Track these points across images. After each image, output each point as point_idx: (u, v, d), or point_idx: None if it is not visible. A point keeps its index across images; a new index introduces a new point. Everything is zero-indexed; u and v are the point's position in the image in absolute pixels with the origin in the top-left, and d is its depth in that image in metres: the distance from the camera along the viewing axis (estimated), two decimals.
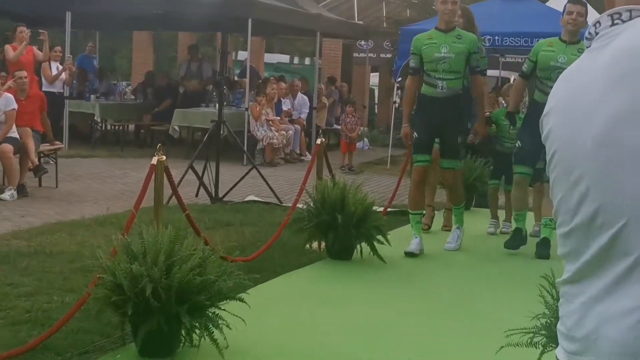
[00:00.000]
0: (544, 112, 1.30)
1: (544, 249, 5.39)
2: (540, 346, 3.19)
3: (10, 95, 7.22)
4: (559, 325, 1.27)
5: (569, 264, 1.24)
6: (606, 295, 1.15)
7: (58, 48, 10.47)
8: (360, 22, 15.15)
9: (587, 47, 1.23)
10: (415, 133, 5.38)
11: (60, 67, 10.27)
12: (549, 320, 3.28)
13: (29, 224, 6.43)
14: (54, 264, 5.13)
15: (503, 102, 7.36)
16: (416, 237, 5.35)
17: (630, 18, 1.18)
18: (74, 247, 5.50)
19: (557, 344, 2.64)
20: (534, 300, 3.37)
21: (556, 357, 1.32)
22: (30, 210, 7.05)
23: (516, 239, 5.48)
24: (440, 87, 5.23)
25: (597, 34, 1.23)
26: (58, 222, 6.49)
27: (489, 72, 17.62)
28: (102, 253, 3.91)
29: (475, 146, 6.29)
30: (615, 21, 1.20)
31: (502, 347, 3.41)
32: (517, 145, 5.46)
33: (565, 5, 5.43)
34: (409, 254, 5.27)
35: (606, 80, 1.14)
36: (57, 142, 8.32)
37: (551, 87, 4.89)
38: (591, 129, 1.15)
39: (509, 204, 6.18)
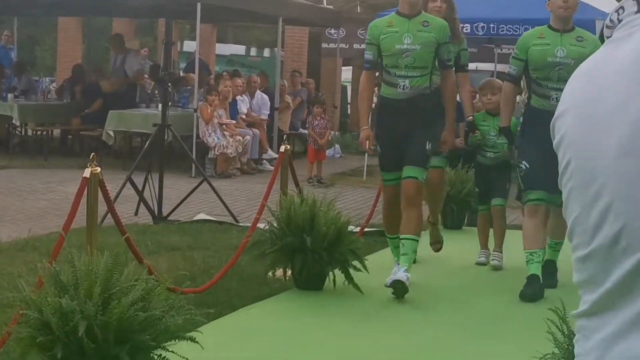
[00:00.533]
0: (555, 114, 1.32)
1: (546, 280, 5.26)
2: None
3: None
4: None
5: (586, 293, 1.24)
6: (631, 331, 1.15)
7: None
8: (330, 7, 15.34)
9: (608, 37, 1.25)
10: (378, 146, 5.33)
11: None
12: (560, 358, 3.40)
13: None
14: None
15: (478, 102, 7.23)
16: (398, 264, 5.27)
17: None
18: None
19: None
20: (541, 338, 3.46)
21: None
22: None
23: (534, 286, 5.17)
24: (402, 87, 5.07)
25: (619, 21, 1.24)
26: None
27: (483, 66, 17.95)
28: (24, 284, 4.02)
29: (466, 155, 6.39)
30: None
31: None
32: (523, 166, 5.31)
33: None
34: (396, 286, 5.16)
35: (632, 78, 1.16)
36: None
37: (552, 89, 5.05)
38: (615, 134, 1.16)
39: (499, 224, 6.16)
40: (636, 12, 1.21)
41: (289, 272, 5.44)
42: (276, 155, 11.57)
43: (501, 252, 6.12)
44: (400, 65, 5.06)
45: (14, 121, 11.81)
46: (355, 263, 5.24)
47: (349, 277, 5.14)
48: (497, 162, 6.07)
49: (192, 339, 3.93)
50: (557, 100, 5.03)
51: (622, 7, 1.25)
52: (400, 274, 5.05)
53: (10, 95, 11.86)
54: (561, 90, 5.18)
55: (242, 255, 5.58)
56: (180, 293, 4.67)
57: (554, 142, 1.30)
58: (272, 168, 9.70)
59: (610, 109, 1.17)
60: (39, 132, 12.62)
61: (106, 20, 17.92)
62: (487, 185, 6.15)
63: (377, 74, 5.47)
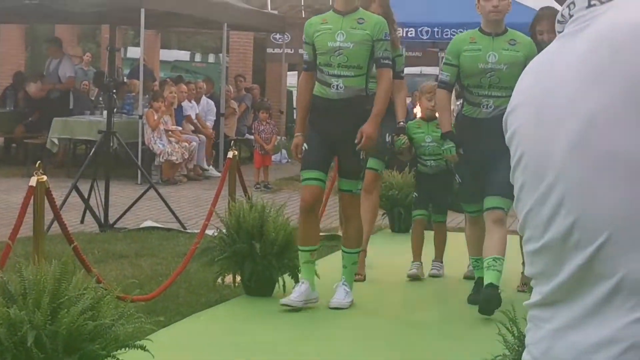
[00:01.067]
0: (507, 110, 1.30)
1: (489, 302, 4.78)
2: None
3: None
4: (524, 355, 1.29)
5: (539, 285, 1.25)
6: (582, 323, 1.17)
7: None
8: (275, 12, 15.36)
9: (559, 32, 1.25)
10: (305, 144, 4.95)
11: None
12: (512, 355, 3.49)
13: None
14: None
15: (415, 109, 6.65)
16: (303, 283, 4.90)
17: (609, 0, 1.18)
18: None
19: None
20: (492, 339, 3.51)
21: None
22: None
23: (486, 295, 4.76)
24: (335, 87, 4.76)
25: (571, 16, 1.24)
26: None
27: (427, 70, 18.10)
28: None
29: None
30: (592, 2, 1.21)
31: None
32: (457, 180, 5.15)
33: None
34: (287, 305, 4.88)
35: (583, 73, 1.16)
36: None
37: (483, 97, 4.83)
38: (566, 129, 1.17)
39: (440, 238, 5.96)
40: (587, 7, 1.21)
41: (239, 279, 5.41)
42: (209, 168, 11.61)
43: (441, 262, 5.95)
44: (333, 64, 4.77)
45: None
46: None
47: (298, 283, 5.10)
48: (438, 170, 5.77)
49: (142, 347, 3.91)
50: (488, 107, 4.82)
51: (573, 2, 1.25)
52: (340, 298, 4.96)
53: None
54: (492, 97, 4.83)
55: (190, 262, 5.55)
56: (130, 301, 4.62)
57: (506, 137, 1.31)
58: (218, 174, 9.64)
59: (561, 104, 1.18)
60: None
61: (49, 27, 17.53)
62: (428, 193, 5.89)
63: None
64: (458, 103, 6.79)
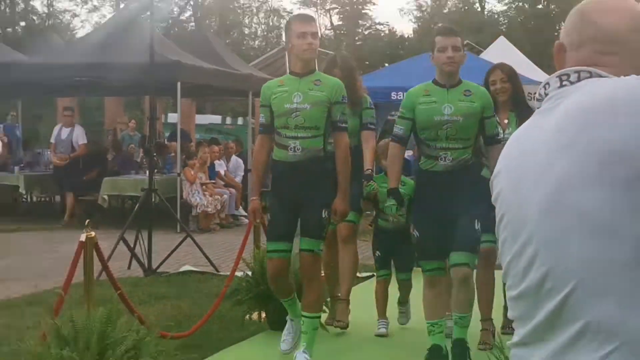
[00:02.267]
0: (494, 173, 1.35)
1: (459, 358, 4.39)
2: None
3: None
4: None
5: (519, 327, 1.29)
6: (556, 358, 1.19)
7: None
8: None
9: (538, 108, 1.31)
10: (268, 214, 4.56)
11: None
12: None
13: None
14: None
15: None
16: (291, 320, 4.61)
17: (579, 79, 1.25)
18: (4, 331, 5.57)
19: None
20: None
21: None
22: None
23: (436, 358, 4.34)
24: (293, 149, 4.25)
25: (546, 95, 1.30)
26: None
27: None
28: (30, 337, 4.11)
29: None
30: (564, 83, 1.28)
31: None
32: (415, 234, 4.40)
33: (434, 40, 4.41)
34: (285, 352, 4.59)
35: (553, 144, 1.19)
36: None
37: (441, 149, 4.15)
38: (539, 192, 1.20)
39: (405, 297, 5.35)
40: (559, 87, 1.26)
41: (264, 315, 5.45)
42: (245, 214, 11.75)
43: (406, 305, 5.39)
44: (290, 126, 4.25)
45: (20, 190, 11.97)
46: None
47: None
48: (399, 225, 5.03)
49: None
50: (447, 160, 4.21)
51: (547, 83, 1.31)
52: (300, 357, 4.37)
53: (16, 168, 11.96)
54: (450, 149, 4.08)
55: (222, 301, 5.56)
56: (170, 338, 4.71)
57: (492, 197, 1.35)
58: (247, 221, 9.75)
59: (535, 171, 1.21)
60: (42, 199, 12.99)
61: (99, 99, 17.97)
62: (388, 251, 5.20)
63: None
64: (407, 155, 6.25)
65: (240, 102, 18.82)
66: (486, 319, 4.88)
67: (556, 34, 33.71)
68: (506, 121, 4.90)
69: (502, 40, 18.28)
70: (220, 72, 12.27)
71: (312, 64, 4.46)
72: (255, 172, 4.67)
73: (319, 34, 4.38)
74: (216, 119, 20.91)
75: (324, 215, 4.29)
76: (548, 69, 16.24)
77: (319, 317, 4.54)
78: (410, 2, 36.68)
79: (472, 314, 4.55)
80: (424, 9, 35.23)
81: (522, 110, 4.84)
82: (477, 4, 33.93)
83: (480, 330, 4.84)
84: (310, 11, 32.31)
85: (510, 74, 5.01)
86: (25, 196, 12.49)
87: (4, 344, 5.17)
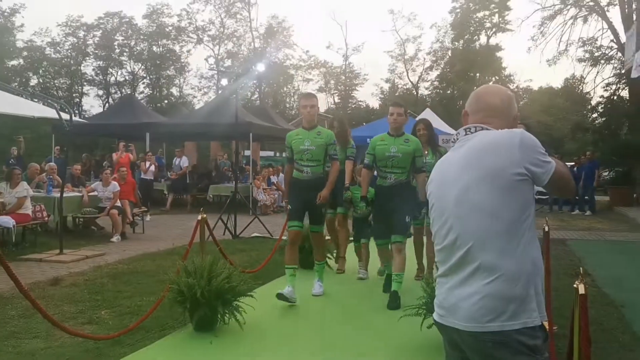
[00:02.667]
0: (428, 181, 2.04)
1: (393, 302, 5.75)
2: (423, 315, 4.52)
3: (116, 183, 11.26)
4: (435, 300, 1.98)
5: (441, 266, 1.92)
6: (461, 284, 1.82)
7: (149, 153, 16.11)
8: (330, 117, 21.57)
9: (452, 147, 1.94)
10: (289, 204, 6.14)
11: (149, 164, 15.96)
12: (427, 300, 4.51)
13: (128, 255, 9.10)
14: (143, 278, 7.16)
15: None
16: (288, 287, 5.89)
17: (476, 131, 1.89)
18: (154, 268, 7.72)
19: (433, 312, 3.19)
20: (418, 296, 4.73)
21: (433, 319, 2.00)
22: (128, 247, 10.06)
23: (396, 300, 5.76)
24: (305, 172, 5.95)
25: (457, 139, 1.90)
26: (145, 253, 9.15)
27: None
28: (170, 272, 5.19)
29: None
30: (467, 133, 1.89)
31: (401, 316, 4.72)
32: (371, 222, 6.67)
33: (389, 108, 6.23)
34: (281, 297, 5.80)
35: (462, 164, 1.83)
36: (144, 207, 12.72)
37: (389, 172, 6.57)
38: (453, 192, 1.82)
39: (366, 254, 7.34)
40: (465, 135, 1.93)
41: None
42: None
43: (366, 271, 7.31)
44: (304, 159, 5.97)
45: (165, 192, 17.61)
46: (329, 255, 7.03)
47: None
48: (365, 215, 7.22)
49: (252, 296, 5.11)
50: (391, 179, 6.01)
51: (458, 133, 1.95)
52: (317, 287, 6.29)
53: (162, 180, 17.47)
54: (394, 172, 6.50)
55: (275, 253, 7.76)
56: (247, 272, 6.01)
57: (427, 194, 2.04)
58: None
59: (451, 179, 1.89)
60: (178, 196, 18.11)
61: (207, 142, 24.82)
62: (359, 229, 7.39)
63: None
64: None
65: (283, 144, 23.41)
66: (418, 262, 7.24)
67: (457, 107, 41.45)
68: (426, 152, 6.61)
69: (427, 110, 24.54)
70: (272, 127, 19.56)
71: (314, 122, 6.05)
72: (286, 184, 6.39)
73: (318, 105, 6.10)
74: (271, 153, 28.82)
75: (323, 211, 6.29)
76: (452, 125, 21.73)
77: (324, 263, 6.45)
78: (377, 90, 53.88)
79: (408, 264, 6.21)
80: (384, 93, 49.94)
81: (434, 147, 6.89)
82: (414, 91, 48.45)
83: (417, 269, 7.15)
84: (322, 95, 46.95)
85: (427, 126, 6.95)
86: (167, 195, 17.75)
87: (156, 276, 7.04)
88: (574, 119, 31.58)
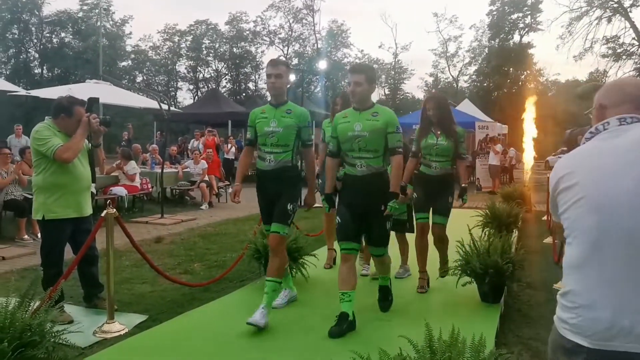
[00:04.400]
0: (563, 173, 1.55)
1: (384, 303, 4.36)
2: (458, 274, 4.52)
3: (204, 161, 11.69)
4: (574, 321, 1.44)
5: (592, 270, 1.43)
6: None
7: (231, 137, 16.59)
8: None
9: (587, 139, 1.54)
10: (260, 205, 4.25)
11: (229, 146, 16.46)
12: (463, 261, 4.51)
13: (214, 220, 9.31)
14: (227, 238, 7.35)
15: None
16: (261, 308, 3.98)
17: (632, 122, 1.51)
18: (236, 230, 8.05)
19: (467, 275, 4.45)
20: (455, 257, 4.66)
21: (572, 345, 1.43)
22: (215, 213, 10.27)
23: (341, 325, 3.84)
24: (269, 161, 4.09)
25: (605, 129, 1.51)
26: (228, 219, 9.28)
27: None
28: (249, 234, 5.64)
29: None
30: (622, 123, 1.50)
31: (437, 277, 4.80)
32: (337, 221, 4.01)
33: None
34: (249, 324, 3.93)
35: (629, 157, 1.42)
36: (227, 182, 12.98)
37: (357, 158, 4.00)
38: (623, 183, 1.40)
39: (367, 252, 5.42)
40: (619, 125, 1.52)
41: None
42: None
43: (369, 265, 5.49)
44: (267, 144, 4.10)
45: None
46: None
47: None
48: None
49: (314, 255, 5.17)
50: (361, 167, 3.84)
51: (607, 122, 1.53)
52: (257, 316, 3.90)
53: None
54: (363, 158, 3.92)
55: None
56: (309, 235, 6.13)
57: (563, 186, 1.54)
58: None
59: (612, 171, 1.44)
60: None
61: None
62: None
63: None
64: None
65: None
66: (422, 271, 4.97)
67: (492, 97, 40.65)
68: (439, 132, 4.82)
69: (466, 100, 23.78)
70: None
71: (283, 97, 4.14)
72: (239, 172, 4.36)
73: (288, 75, 4.15)
74: None
75: (289, 207, 4.02)
76: (488, 114, 21.35)
77: (279, 284, 4.09)
78: (422, 83, 52.60)
79: (411, 267, 5.27)
80: (428, 86, 49.39)
81: (447, 128, 4.80)
82: (455, 84, 47.91)
83: (419, 279, 4.96)
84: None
85: (438, 105, 4.83)
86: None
87: (237, 237, 7.28)
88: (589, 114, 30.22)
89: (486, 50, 45.22)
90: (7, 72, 40.78)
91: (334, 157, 4.10)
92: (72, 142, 4.05)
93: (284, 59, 4.73)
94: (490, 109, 33.03)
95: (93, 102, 4.28)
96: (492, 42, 44.21)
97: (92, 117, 4.16)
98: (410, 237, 5.27)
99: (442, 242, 4.97)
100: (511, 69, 42.96)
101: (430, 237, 4.94)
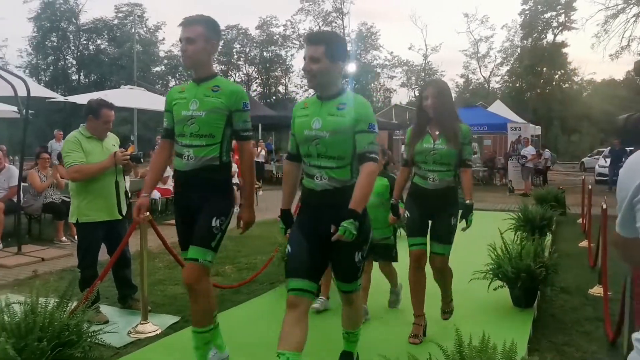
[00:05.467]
0: (632, 172, 1.20)
1: None
2: (490, 279, 4.45)
3: (235, 164, 12.11)
4: None
5: None
6: None
7: (261, 141, 17.93)
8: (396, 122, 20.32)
9: None
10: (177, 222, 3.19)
11: (259, 150, 17.27)
12: (494, 265, 4.44)
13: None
14: (257, 241, 7.28)
15: None
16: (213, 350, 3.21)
17: None
18: (266, 232, 7.66)
19: (498, 279, 4.19)
20: (486, 260, 4.58)
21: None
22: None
23: None
24: (187, 157, 2.99)
25: None
26: (258, 221, 7.65)
27: None
28: (279, 236, 5.06)
29: None
30: None
31: (471, 279, 4.49)
32: (287, 250, 2.79)
33: None
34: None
35: None
36: (258, 183, 13.12)
37: (315, 167, 2.66)
38: None
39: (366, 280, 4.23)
40: None
41: None
42: None
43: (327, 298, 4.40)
44: (186, 134, 3.00)
45: (273, 172, 18.92)
46: None
47: None
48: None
49: None
50: (321, 179, 2.66)
51: None
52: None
53: (272, 162, 19.49)
54: (322, 168, 2.58)
55: None
56: None
57: (634, 190, 1.18)
58: None
59: None
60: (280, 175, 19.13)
61: None
62: None
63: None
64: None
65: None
66: (418, 315, 3.80)
67: (525, 98, 40.41)
68: (437, 132, 3.61)
69: (497, 101, 23.78)
70: None
71: (207, 69, 3.03)
72: (150, 174, 3.23)
73: (205, 40, 2.98)
74: None
75: (214, 224, 2.95)
76: (520, 115, 21.44)
77: (208, 331, 3.08)
78: (452, 84, 50.85)
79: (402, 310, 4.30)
80: (459, 87, 49.47)
81: (446, 125, 3.58)
82: (486, 85, 48.13)
83: (413, 324, 3.82)
84: (404, 89, 44.43)
85: (438, 92, 3.62)
86: (275, 175, 18.64)
87: (267, 239, 6.90)
88: (636, 108, 29.47)
89: (518, 50, 44.80)
90: (47, 79, 42.16)
91: (293, 160, 2.91)
92: (87, 168, 4.05)
93: (204, 14, 3.03)
94: (522, 109, 32.55)
95: (136, 158, 4.31)
96: (525, 41, 43.69)
97: (119, 152, 4.13)
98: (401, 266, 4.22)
99: (443, 276, 3.82)
100: (544, 68, 42.38)
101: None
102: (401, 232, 4.84)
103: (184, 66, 3.25)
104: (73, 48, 44.06)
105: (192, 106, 2.99)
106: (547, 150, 18.32)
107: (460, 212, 3.68)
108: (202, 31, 2.98)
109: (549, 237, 7.12)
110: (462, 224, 3.67)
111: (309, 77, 2.69)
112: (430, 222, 3.70)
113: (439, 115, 3.61)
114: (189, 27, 2.98)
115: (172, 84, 48.02)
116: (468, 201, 3.67)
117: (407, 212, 3.81)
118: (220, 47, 24.16)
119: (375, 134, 2.69)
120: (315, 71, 2.66)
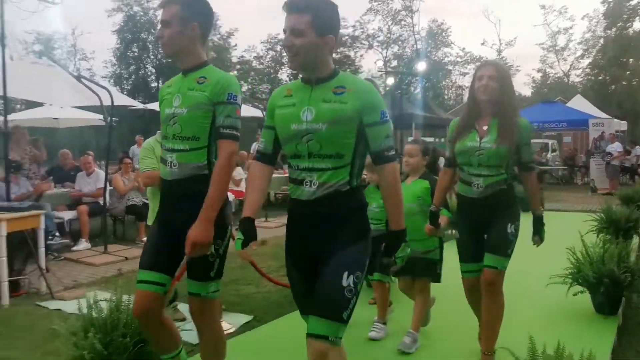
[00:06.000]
0: None
1: None
2: (569, 283, 4.31)
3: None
4: None
5: None
6: None
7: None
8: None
9: None
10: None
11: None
12: (572, 270, 4.32)
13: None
14: (269, 259, 7.33)
15: None
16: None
17: None
18: (281, 251, 8.29)
19: (578, 284, 3.96)
20: (564, 264, 4.47)
21: None
22: None
23: None
24: (170, 165, 2.49)
25: None
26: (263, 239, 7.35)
27: None
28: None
29: None
30: None
31: (548, 283, 4.33)
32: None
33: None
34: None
35: None
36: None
37: (304, 170, 2.14)
38: None
39: (380, 298, 3.89)
40: None
41: None
42: None
43: (383, 323, 3.88)
44: (169, 136, 2.50)
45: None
46: None
47: None
48: (378, 233, 3.36)
49: None
50: (311, 185, 2.13)
51: None
52: None
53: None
54: (314, 170, 2.07)
55: None
56: None
57: None
58: None
59: None
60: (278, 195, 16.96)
61: None
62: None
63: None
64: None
65: (445, 130, 23.61)
66: (487, 352, 3.17)
67: (609, 92, 38.88)
68: (485, 127, 3.04)
69: (578, 96, 22.77)
70: (432, 117, 19.32)
71: (192, 58, 2.49)
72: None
73: (182, 19, 2.42)
74: (431, 139, 28.39)
75: (211, 252, 2.45)
76: (604, 110, 21.00)
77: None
78: (529, 79, 50.47)
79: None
80: (536, 82, 47.24)
81: (504, 119, 3.00)
82: (565, 79, 45.61)
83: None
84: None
85: (502, 73, 3.05)
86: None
87: (279, 260, 7.16)
88: None
89: (601, 40, 42.45)
90: (129, 87, 44.81)
91: (265, 162, 2.35)
92: (157, 173, 3.32)
93: None
94: (606, 104, 30.80)
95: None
96: (608, 31, 41.34)
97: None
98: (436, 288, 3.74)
99: (493, 300, 3.04)
100: (631, 59, 39.98)
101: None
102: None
103: (166, 54, 2.43)
104: (152, 57, 46.51)
105: (175, 102, 2.48)
106: (638, 147, 17.11)
107: (519, 220, 3.06)
108: (176, 11, 2.43)
109: (635, 240, 6.83)
110: (527, 236, 3.15)
111: (290, 56, 2.13)
112: (485, 236, 3.08)
113: (494, 103, 2.97)
114: (165, 9, 2.48)
115: (244, 88, 49.62)
116: (538, 212, 3.13)
117: (455, 228, 3.33)
118: None
119: (389, 124, 2.15)
120: (299, 47, 2.09)
